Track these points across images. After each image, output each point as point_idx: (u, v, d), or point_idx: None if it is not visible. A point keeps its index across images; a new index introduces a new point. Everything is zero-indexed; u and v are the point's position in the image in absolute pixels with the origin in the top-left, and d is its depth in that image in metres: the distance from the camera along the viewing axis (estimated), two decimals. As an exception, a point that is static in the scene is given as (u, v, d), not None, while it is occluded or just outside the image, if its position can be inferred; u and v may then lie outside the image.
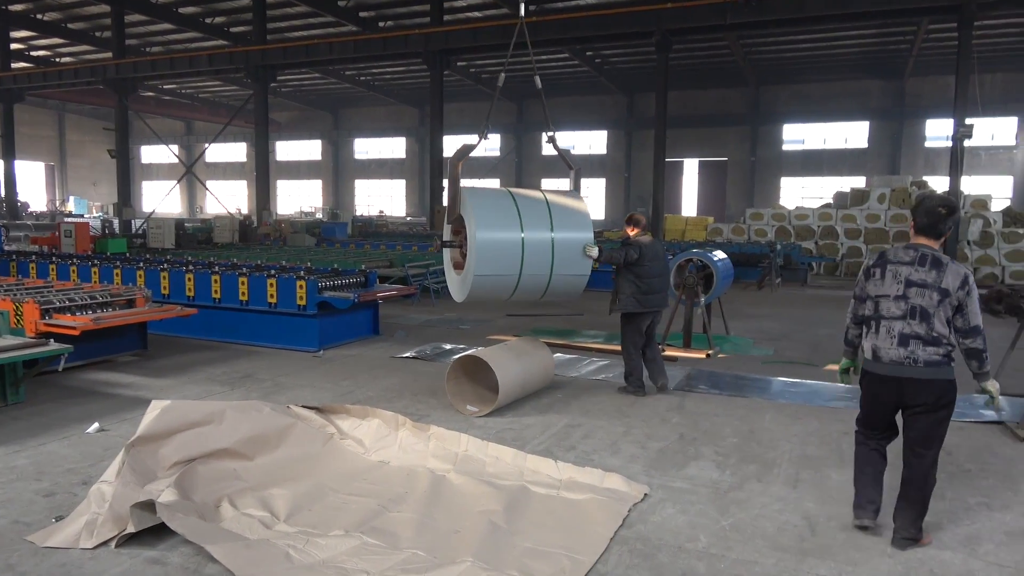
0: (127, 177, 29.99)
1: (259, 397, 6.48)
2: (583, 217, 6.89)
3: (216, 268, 9.36)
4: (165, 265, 9.75)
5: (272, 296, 8.68)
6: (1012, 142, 32.69)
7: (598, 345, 9.02)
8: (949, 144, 33.13)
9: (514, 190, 6.98)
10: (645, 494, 4.30)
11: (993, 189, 27.80)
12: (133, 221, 28.33)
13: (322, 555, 3.46)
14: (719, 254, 9.61)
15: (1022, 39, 26.58)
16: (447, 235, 7.02)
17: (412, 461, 4.72)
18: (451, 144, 43.93)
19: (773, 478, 4.66)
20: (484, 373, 6.26)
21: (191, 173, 31.74)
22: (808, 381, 7.36)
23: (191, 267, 9.48)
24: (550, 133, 7.88)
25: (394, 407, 6.15)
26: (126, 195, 29.84)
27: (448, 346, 8.99)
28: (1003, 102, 30.10)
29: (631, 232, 6.85)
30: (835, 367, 8.21)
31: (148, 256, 11.75)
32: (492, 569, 3.32)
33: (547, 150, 40.30)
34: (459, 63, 31.76)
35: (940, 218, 3.73)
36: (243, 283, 8.87)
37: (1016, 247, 18.52)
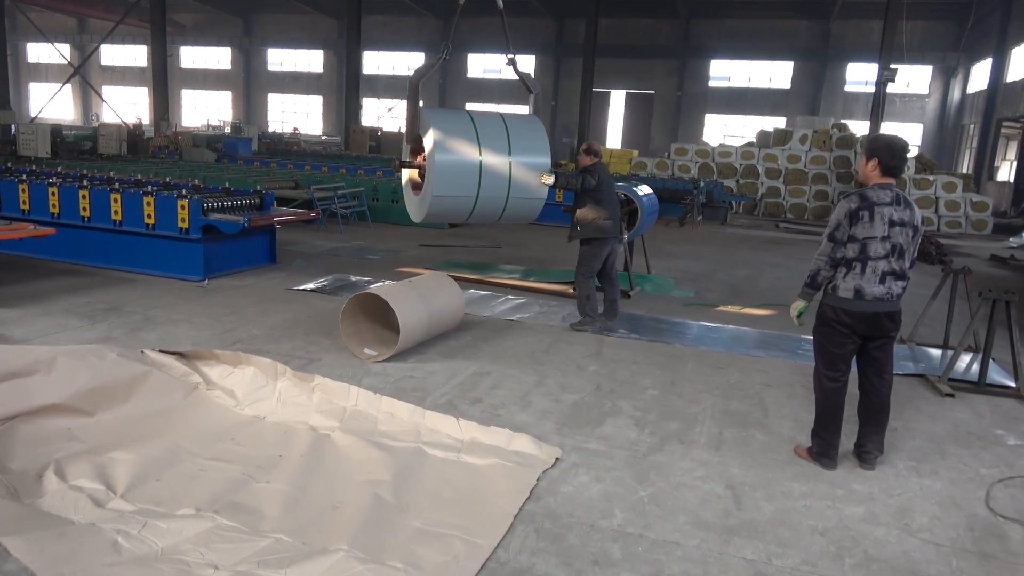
0: (4, 76, 26.91)
1: (124, 333, 5.65)
2: (541, 142, 7.10)
3: (85, 182, 8.21)
4: (24, 176, 8.49)
5: (150, 216, 7.67)
6: (925, 91, 33.52)
7: (514, 282, 8.48)
8: (868, 89, 33.99)
9: (474, 112, 7.13)
10: (556, 458, 3.83)
11: (905, 136, 28.45)
12: (14, 126, 25.58)
13: (160, 543, 2.82)
14: (644, 189, 9.12)
15: (943, -12, 26.80)
16: (406, 155, 7.20)
17: (292, 417, 4.09)
18: (371, 60, 41.76)
19: (695, 437, 4.27)
20: (385, 312, 5.62)
21: (80, 76, 28.81)
22: (728, 327, 7.06)
23: (55, 179, 8.28)
24: (510, 55, 7.94)
25: (280, 349, 5.46)
26: (4, 96, 26.83)
27: (353, 278, 8.25)
28: (920, 50, 30.62)
29: (588, 161, 6.61)
30: (756, 311, 8.07)
31: (8, 166, 10.29)
32: (370, 560, 2.77)
33: (473, 72, 38.77)
34: (381, -29, 29.67)
35: (904, 160, 3.80)
36: (116, 200, 7.79)
37: (926, 193, 18.95)
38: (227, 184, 8.85)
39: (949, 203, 18.59)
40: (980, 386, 5.42)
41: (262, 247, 8.62)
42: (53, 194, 8.08)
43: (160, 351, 4.32)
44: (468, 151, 7.00)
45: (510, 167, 6.96)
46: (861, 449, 4.00)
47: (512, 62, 7.96)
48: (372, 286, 5.53)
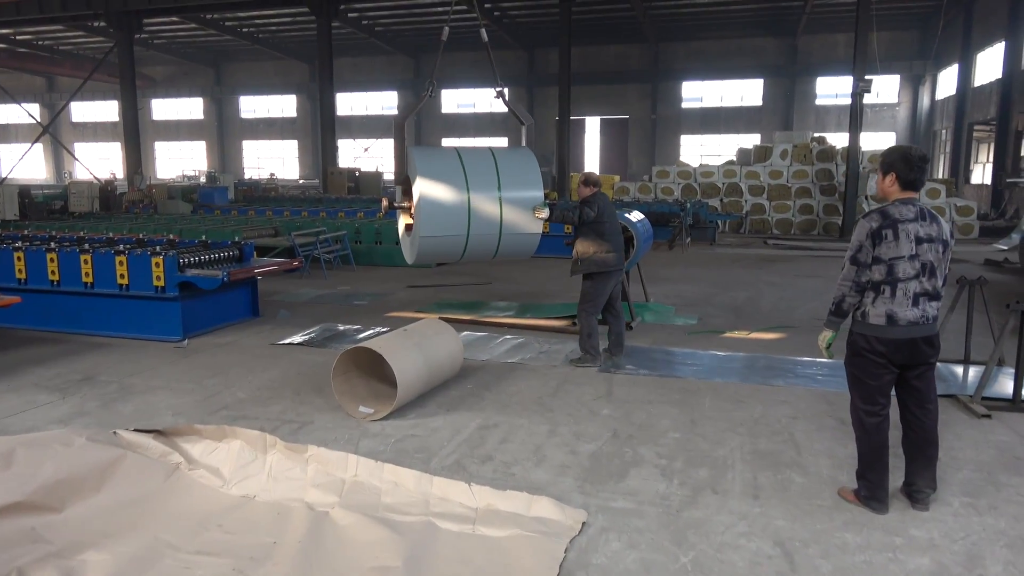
0: (-29, 138, 26.50)
1: (98, 406, 5.22)
2: (532, 175, 6.81)
3: (53, 244, 7.80)
4: (-12, 242, 8.07)
5: (123, 276, 7.27)
6: (895, 99, 33.92)
7: (510, 320, 8.13)
8: (839, 102, 34.38)
9: (463, 148, 7.00)
10: (583, 523, 3.45)
11: (878, 145, 28.70)
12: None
13: (140, 670, 2.41)
14: (637, 215, 8.86)
15: (905, -1, 27.22)
16: (398, 197, 7.02)
17: (285, 494, 3.68)
18: (344, 102, 41.70)
19: (729, 485, 3.91)
20: (380, 365, 5.24)
21: (49, 134, 28.40)
22: (739, 354, 6.74)
23: (21, 243, 7.87)
24: (499, 88, 7.84)
25: (269, 412, 5.06)
26: (-29, 159, 26.35)
27: (341, 327, 7.87)
28: (887, 60, 31.03)
29: (587, 192, 6.34)
30: (764, 335, 7.76)
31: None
32: (388, 673, 2.37)
33: (447, 107, 38.78)
34: (350, 14, 29.73)
35: (924, 170, 3.51)
36: (86, 262, 7.39)
37: (910, 201, 18.89)
38: (203, 237, 8.47)
39: (934, 209, 18.53)
40: (1016, 404, 5.12)
41: (243, 300, 8.22)
42: (19, 259, 7.66)
43: (135, 430, 3.91)
44: (454, 189, 6.70)
45: (500, 203, 6.67)
46: (911, 488, 3.66)
47: (502, 94, 7.78)
48: (364, 340, 5.14)
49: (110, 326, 7.39)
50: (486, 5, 28.72)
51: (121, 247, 7.51)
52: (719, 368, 6.25)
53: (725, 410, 5.12)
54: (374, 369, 5.33)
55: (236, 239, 8.45)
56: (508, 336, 7.44)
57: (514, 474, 4.05)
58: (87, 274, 7.40)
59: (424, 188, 6.51)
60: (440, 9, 29.40)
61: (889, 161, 3.53)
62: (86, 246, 7.60)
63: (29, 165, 44.40)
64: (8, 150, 45.98)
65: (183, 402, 5.31)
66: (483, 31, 8.30)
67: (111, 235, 8.84)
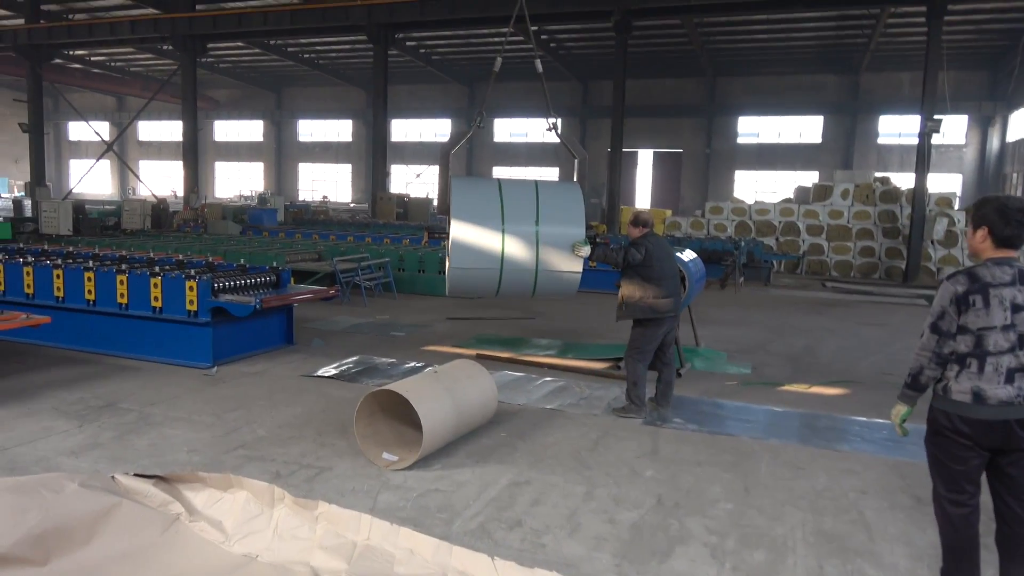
0: (41, 153, 27.49)
1: (113, 438, 4.99)
2: (574, 211, 6.44)
3: (91, 263, 7.73)
4: (30, 259, 8.07)
5: (157, 299, 7.12)
6: (962, 140, 32.67)
7: (551, 360, 7.72)
8: (901, 141, 33.32)
9: (506, 180, 6.75)
10: (619, 614, 3.02)
11: (944, 187, 27.56)
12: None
13: None
14: (689, 254, 8.39)
15: (973, 36, 26.25)
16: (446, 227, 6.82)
17: (290, 556, 3.33)
18: (399, 128, 42.29)
19: (790, 574, 3.42)
20: (407, 408, 4.90)
21: (113, 151, 29.31)
22: (797, 411, 6.20)
23: (61, 261, 7.83)
24: (552, 120, 7.75)
25: (288, 454, 4.75)
26: (40, 173, 27.32)
27: (376, 360, 7.58)
28: (954, 100, 29.95)
29: (637, 233, 5.96)
30: (824, 389, 7.18)
31: (15, 246, 9.88)
32: None
33: (500, 136, 38.86)
34: (407, 42, 30.09)
35: None
36: (122, 282, 7.28)
37: (980, 247, 17.92)
38: (242, 261, 8.32)
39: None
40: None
41: (278, 327, 8.02)
42: (58, 277, 7.60)
43: (136, 475, 3.62)
44: (490, 220, 6.43)
45: (537, 237, 6.34)
46: None
47: (555, 127, 7.56)
48: (396, 378, 4.81)
49: (142, 349, 7.25)
50: (542, 36, 28.77)
51: (157, 269, 7.38)
52: (776, 426, 5.72)
53: (783, 478, 4.61)
54: (401, 411, 4.98)
55: (275, 264, 8.28)
56: (548, 378, 7.04)
57: (544, 545, 3.63)
58: (122, 295, 7.28)
59: (457, 219, 6.36)
60: (495, 40, 29.54)
61: (982, 214, 3.03)
62: (123, 266, 7.49)
63: (97, 181, 46.09)
64: (78, 165, 47.83)
65: (200, 437, 5.04)
66: (538, 62, 8.14)
67: (151, 255, 8.78)
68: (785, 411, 6.16)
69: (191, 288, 6.93)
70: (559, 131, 7.34)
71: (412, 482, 4.37)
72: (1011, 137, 29.99)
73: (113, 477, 3.54)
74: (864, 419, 6.00)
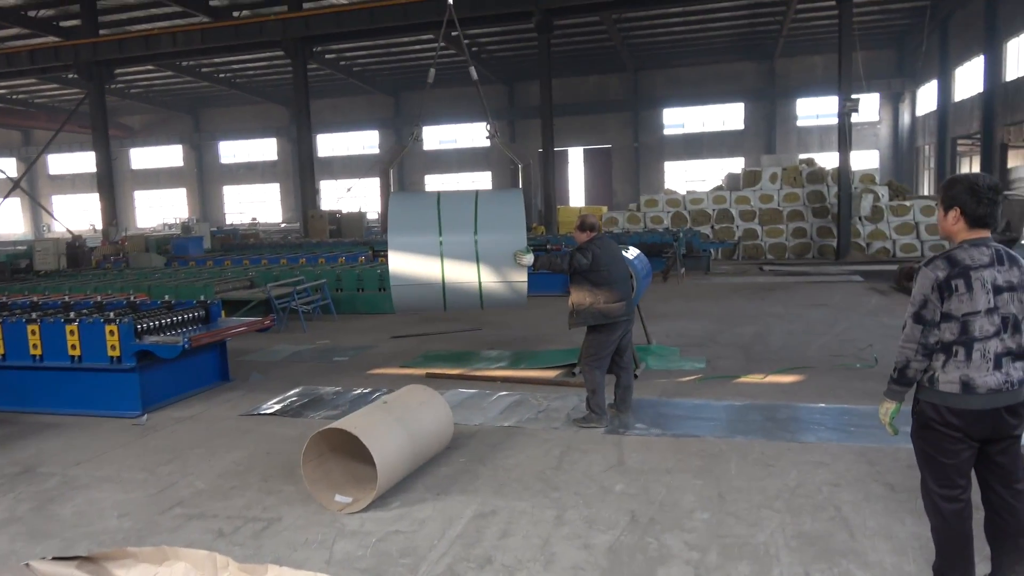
0: (-60, 197, 25.79)
1: (32, 508, 4.51)
2: (514, 218, 6.26)
3: (-4, 314, 7.11)
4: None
5: (74, 347, 6.58)
6: (876, 117, 33.93)
7: (503, 372, 7.48)
8: (819, 122, 34.37)
9: (447, 191, 6.69)
10: (608, 656, 2.79)
11: (863, 164, 28.53)
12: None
13: None
14: (633, 251, 8.26)
15: (879, 17, 27.24)
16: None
17: (240, 631, 3.00)
18: (325, 143, 41.54)
19: (777, 586, 3.27)
20: (357, 444, 4.58)
21: (21, 188, 27.74)
22: (758, 402, 6.12)
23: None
24: (493, 131, 7.84)
25: (231, 507, 4.37)
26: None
27: (321, 390, 7.19)
28: (866, 79, 31.08)
29: (584, 238, 5.75)
30: (781, 378, 7.12)
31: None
32: None
33: (429, 144, 38.43)
34: (326, 55, 29.48)
35: (996, 202, 2.87)
36: (33, 332, 6.70)
37: (904, 220, 18.56)
38: (167, 297, 7.81)
39: (930, 227, 18.17)
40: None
41: (212, 364, 7.54)
42: (-40, 332, 6.96)
43: (55, 558, 3.21)
44: (426, 233, 6.32)
45: (476, 246, 6.21)
46: None
47: (494, 135, 7.44)
48: (343, 409, 4.49)
49: (62, 403, 6.67)
50: (463, 41, 28.57)
51: (73, 315, 6.82)
52: (739, 422, 5.61)
53: (755, 478, 4.48)
54: (352, 448, 4.65)
55: (203, 297, 7.79)
56: (503, 392, 6.79)
57: (519, 583, 3.38)
58: (35, 346, 6.70)
59: (394, 233, 6.26)
60: (417, 48, 29.22)
61: (952, 194, 2.90)
62: (34, 315, 6.91)
63: (6, 221, 43.68)
64: (-17, 206, 45.14)
65: (132, 498, 4.60)
66: (472, 69, 8.04)
67: (67, 298, 8.16)
68: (745, 404, 6.07)
69: (112, 332, 6.42)
70: (498, 138, 7.19)
71: (370, 525, 4.06)
72: (920, 111, 31.29)
73: (27, 565, 3.13)
74: (823, 405, 5.96)
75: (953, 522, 2.95)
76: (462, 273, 6.30)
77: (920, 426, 2.99)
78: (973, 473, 3.00)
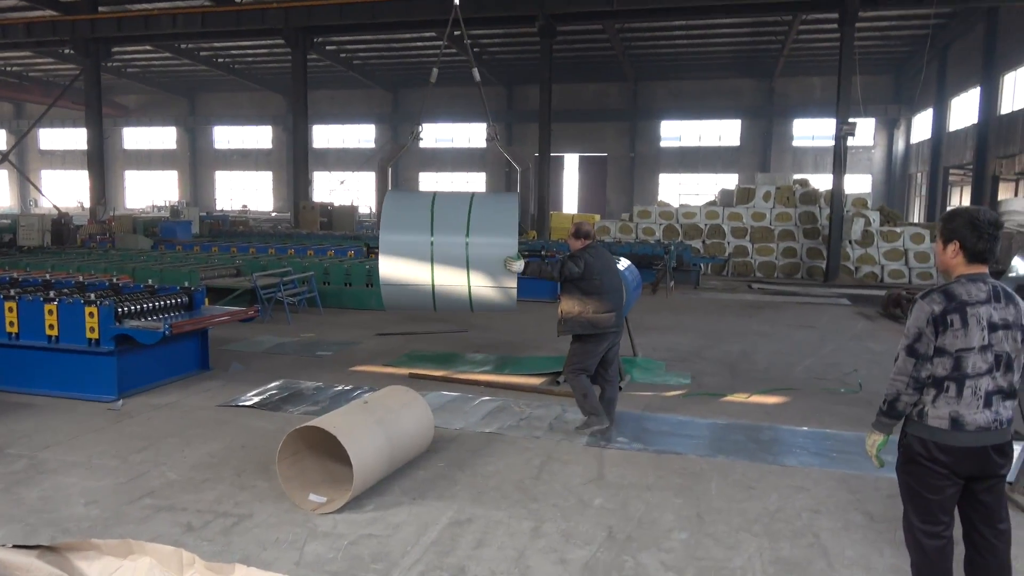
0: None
1: (2, 487, 4.40)
2: (506, 222, 6.25)
3: (-25, 289, 6.97)
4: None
5: (52, 327, 6.46)
6: (870, 142, 34.17)
7: (487, 377, 7.42)
8: (815, 143, 34.55)
9: (442, 192, 6.67)
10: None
11: (855, 187, 28.69)
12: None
13: None
14: (624, 262, 8.21)
15: (878, 42, 27.43)
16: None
17: (202, 632, 2.92)
18: (321, 134, 41.25)
19: (752, 612, 3.22)
20: (335, 443, 4.50)
21: (9, 161, 27.38)
22: (741, 422, 6.09)
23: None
24: (491, 130, 7.64)
25: (202, 500, 4.28)
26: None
27: (302, 384, 7.10)
28: (863, 103, 31.29)
29: (578, 245, 5.66)
30: (764, 398, 7.08)
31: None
32: None
33: (424, 142, 38.27)
34: (327, 46, 29.31)
35: (996, 237, 2.86)
36: (11, 309, 6.57)
37: (894, 246, 18.65)
38: (151, 281, 7.69)
39: (919, 255, 18.27)
40: (1064, 492, 4.50)
41: (191, 352, 7.43)
42: (-64, 305, 6.81)
43: (15, 546, 3.12)
44: (418, 233, 6.32)
45: (466, 249, 6.21)
46: None
47: (495, 138, 7.45)
48: (317, 419, 4.41)
49: (37, 383, 6.55)
50: (465, 41, 28.53)
51: (52, 294, 6.70)
52: (722, 441, 5.58)
53: (735, 500, 4.44)
54: (329, 447, 4.58)
55: (187, 283, 7.69)
56: (485, 397, 6.72)
57: (492, 595, 3.32)
58: (12, 323, 6.57)
59: (386, 231, 6.29)
60: (418, 44, 29.12)
61: (952, 228, 2.88)
62: (13, 292, 6.78)
63: (-9, 193, 43.19)
64: (-29, 177, 44.65)
65: (101, 485, 4.50)
66: (476, 71, 8.00)
67: (49, 276, 8.04)
68: (729, 423, 6.04)
69: (91, 315, 6.30)
70: (497, 141, 7.19)
71: (343, 527, 3.98)
72: (915, 139, 31.53)
73: (-14, 553, 3.03)
74: (806, 428, 5.94)
75: (935, 559, 2.91)
76: (451, 275, 6.29)
77: (906, 460, 2.96)
78: (956, 510, 2.97)
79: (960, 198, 27.94)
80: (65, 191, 40.70)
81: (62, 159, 44.92)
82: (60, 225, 18.37)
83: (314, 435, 4.45)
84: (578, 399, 5.67)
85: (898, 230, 18.86)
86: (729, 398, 6.86)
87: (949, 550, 2.91)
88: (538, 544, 3.83)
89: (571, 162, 37.28)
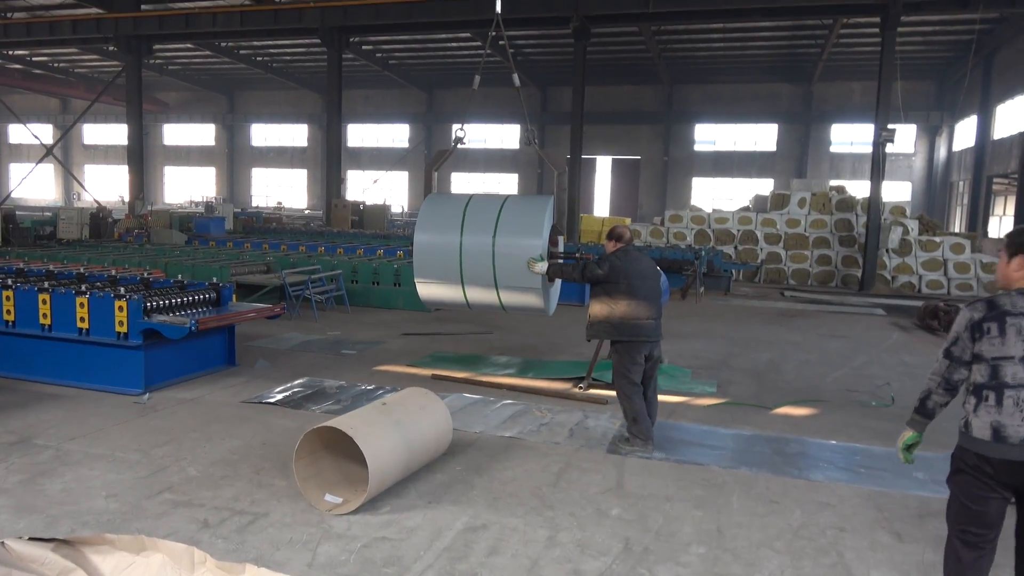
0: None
1: (22, 481, 4.48)
2: (533, 223, 6.17)
3: (10, 281, 7.13)
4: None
5: (83, 320, 6.57)
6: (911, 149, 33.40)
7: (510, 380, 7.37)
8: (853, 150, 33.92)
9: (479, 194, 6.80)
10: None
11: (894, 195, 28.07)
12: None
13: None
14: (652, 268, 8.12)
15: (921, 48, 26.82)
16: None
17: (210, 631, 2.92)
18: (355, 133, 41.54)
19: (770, 633, 3.13)
20: (353, 443, 4.49)
21: (54, 155, 28.07)
22: (767, 433, 5.96)
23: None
24: (529, 131, 8.04)
25: (220, 497, 4.30)
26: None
27: (326, 382, 7.13)
28: (904, 110, 30.59)
29: (612, 247, 5.56)
30: (792, 410, 6.93)
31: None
32: None
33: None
34: (363, 46, 29.58)
35: None
36: (44, 301, 6.70)
37: (932, 255, 18.19)
38: (180, 276, 7.80)
39: (959, 265, 17.79)
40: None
41: (218, 347, 7.51)
42: (-28, 296, 6.98)
43: (32, 539, 3.16)
44: (449, 234, 6.39)
45: (492, 250, 6.22)
46: None
47: (531, 139, 7.60)
48: (335, 419, 4.41)
49: (66, 374, 6.67)
50: (500, 42, 28.51)
51: (84, 287, 6.82)
52: (746, 453, 5.46)
53: (757, 514, 4.33)
54: (346, 447, 4.57)
55: (215, 279, 7.77)
56: (507, 400, 6.68)
57: (502, 605, 3.27)
58: (45, 315, 6.71)
59: (417, 231, 6.48)
60: (453, 45, 29.22)
61: (1020, 242, 2.87)
62: (47, 284, 6.91)
63: (39, 187, 44.34)
64: (18, 170, 45.85)
65: (122, 479, 4.55)
66: (516, 76, 8.10)
67: (83, 269, 8.19)
68: (753, 435, 5.91)
69: (120, 308, 6.40)
70: (536, 143, 7.31)
71: (357, 529, 3.97)
72: (957, 146, 30.75)
73: (3, 543, 3.07)
74: (834, 442, 5.78)
75: (970, 569, 2.84)
76: (479, 276, 6.33)
77: (954, 471, 2.95)
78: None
79: (1004, 207, 27.18)
80: (107, 185, 41.64)
81: (104, 154, 45.97)
82: (98, 219, 18.76)
83: (332, 435, 4.45)
84: (628, 420, 5.44)
85: (937, 240, 18.38)
86: (756, 408, 6.69)
87: (985, 563, 2.86)
88: (552, 553, 3.77)
89: (603, 164, 37.07)
